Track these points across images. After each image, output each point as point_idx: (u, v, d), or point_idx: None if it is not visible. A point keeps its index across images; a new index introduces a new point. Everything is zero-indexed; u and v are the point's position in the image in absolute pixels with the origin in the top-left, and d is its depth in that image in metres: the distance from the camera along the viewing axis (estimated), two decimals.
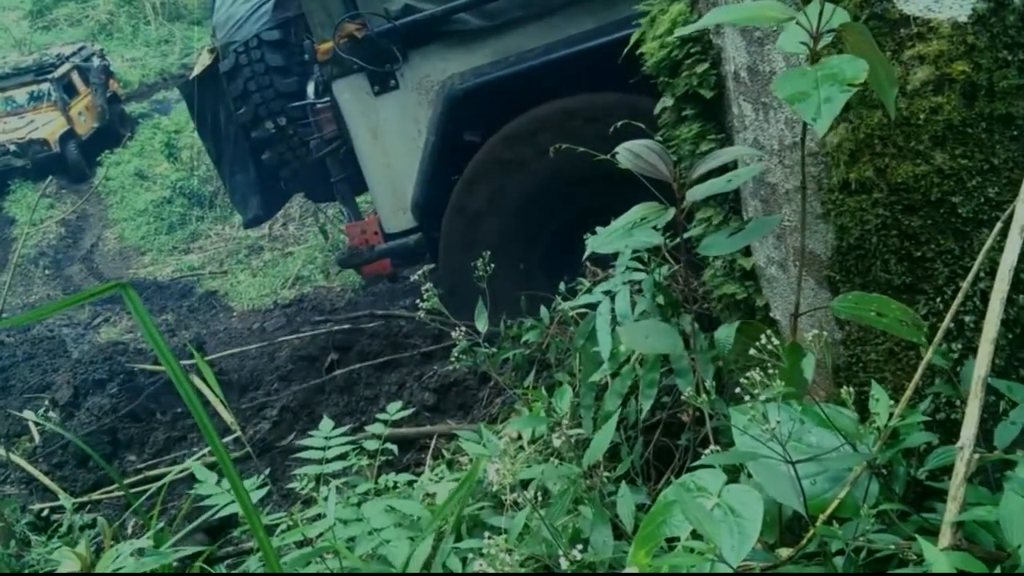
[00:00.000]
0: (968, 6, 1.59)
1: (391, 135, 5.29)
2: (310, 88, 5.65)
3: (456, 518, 2.19)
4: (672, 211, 1.83)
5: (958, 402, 1.80)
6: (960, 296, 1.48)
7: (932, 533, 1.42)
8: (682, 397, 1.56)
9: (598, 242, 2.00)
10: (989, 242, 1.44)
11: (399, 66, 5.09)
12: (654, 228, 1.90)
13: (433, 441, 4.05)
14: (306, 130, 5.76)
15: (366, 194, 6.11)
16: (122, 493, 4.44)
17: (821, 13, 1.37)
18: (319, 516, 2.33)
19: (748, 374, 1.34)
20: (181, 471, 3.63)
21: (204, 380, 2.75)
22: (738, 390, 1.39)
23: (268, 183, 6.69)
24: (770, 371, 1.39)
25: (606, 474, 2.32)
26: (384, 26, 4.94)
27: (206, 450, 4.79)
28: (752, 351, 1.51)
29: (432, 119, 5.06)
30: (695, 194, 1.82)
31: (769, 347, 1.48)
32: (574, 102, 4.77)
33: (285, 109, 5.96)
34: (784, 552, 1.52)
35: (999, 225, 1.41)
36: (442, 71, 5.09)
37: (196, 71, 6.53)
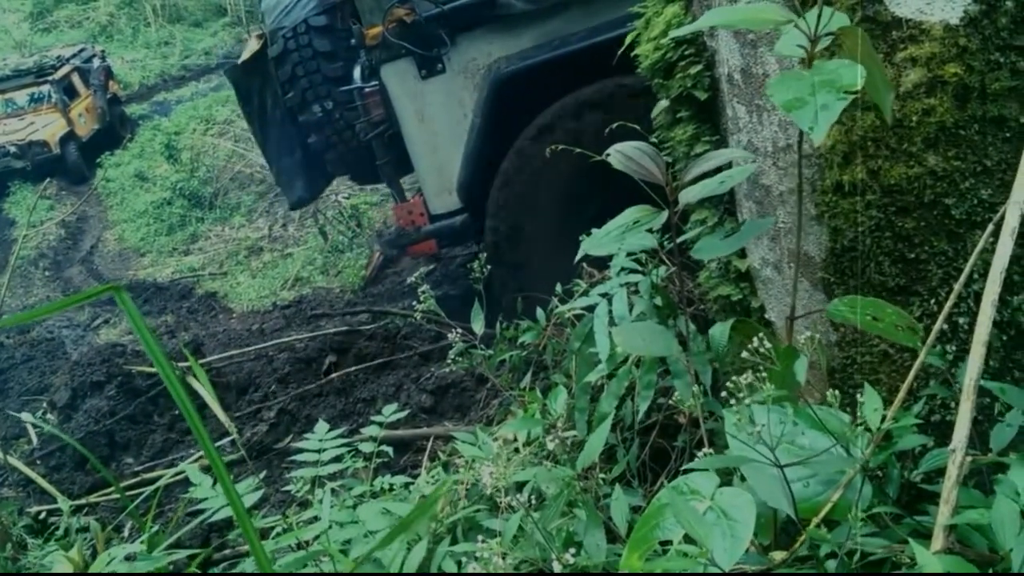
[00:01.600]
0: (960, 8, 1.59)
1: (437, 118, 5.39)
2: (356, 73, 5.72)
3: (447, 522, 2.19)
4: (666, 213, 1.82)
5: (953, 404, 1.80)
6: (952, 298, 1.48)
7: (925, 536, 1.42)
8: (671, 400, 1.55)
9: (592, 244, 1.99)
10: (981, 244, 1.43)
11: (446, 50, 5.18)
12: (648, 230, 1.90)
13: (430, 443, 4.05)
14: (352, 114, 5.84)
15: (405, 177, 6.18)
16: (120, 496, 4.44)
17: (819, 16, 1.36)
18: (315, 519, 2.32)
19: (734, 378, 1.33)
20: (176, 474, 3.63)
21: (206, 380, 2.75)
22: (724, 394, 1.39)
23: (313, 166, 6.79)
24: (761, 373, 1.39)
25: (602, 476, 2.32)
26: (432, 11, 5.04)
27: (202, 452, 4.79)
28: (744, 353, 1.51)
29: (478, 102, 5.17)
30: (688, 196, 1.82)
31: (762, 349, 1.47)
32: (622, 80, 4.81)
33: (332, 93, 6.03)
34: (778, 555, 1.52)
35: (991, 227, 1.41)
36: (488, 55, 5.18)
37: (244, 56, 6.64)
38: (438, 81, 5.30)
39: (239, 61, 6.76)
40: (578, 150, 2.72)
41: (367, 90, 5.46)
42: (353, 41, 5.78)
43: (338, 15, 6.10)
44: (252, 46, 6.58)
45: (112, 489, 4.56)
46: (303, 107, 6.15)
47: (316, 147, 6.34)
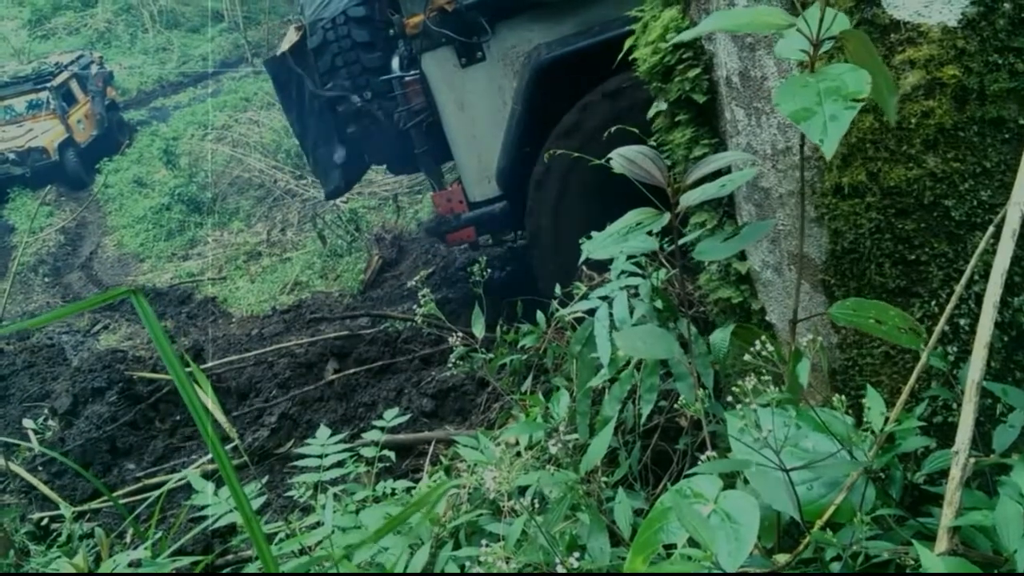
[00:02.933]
0: (958, 10, 1.59)
1: (477, 106, 5.44)
2: (395, 62, 5.79)
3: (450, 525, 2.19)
4: (667, 216, 1.82)
5: (955, 405, 1.80)
6: (954, 299, 1.48)
7: (929, 538, 1.42)
8: (676, 404, 1.55)
9: (593, 247, 1.99)
10: (982, 246, 1.44)
11: (487, 38, 5.22)
12: (649, 233, 1.90)
13: (431, 447, 4.05)
14: (390, 104, 5.90)
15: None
16: (124, 501, 4.44)
17: (822, 20, 1.36)
18: (318, 524, 2.32)
19: (739, 383, 1.33)
20: (179, 480, 3.62)
21: (202, 388, 2.75)
22: (730, 398, 1.39)
23: (349, 156, 6.84)
24: (764, 376, 1.39)
25: (604, 479, 2.32)
26: None
27: (206, 458, 4.79)
28: (747, 356, 1.51)
29: (518, 89, 5.19)
30: (689, 199, 1.82)
31: (764, 352, 1.48)
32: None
33: (370, 83, 6.12)
34: (781, 558, 1.52)
35: (991, 229, 1.41)
36: (528, 42, 5.20)
37: (283, 47, 6.70)
38: (478, 69, 5.34)
39: (278, 52, 6.85)
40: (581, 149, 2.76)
41: (407, 79, 5.51)
42: (392, 31, 5.87)
43: (376, 5, 6.19)
44: (291, 37, 6.66)
45: (115, 495, 4.55)
46: (342, 97, 6.23)
47: (354, 137, 6.42)
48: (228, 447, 4.80)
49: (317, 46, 6.17)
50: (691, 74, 2.28)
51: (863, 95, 1.23)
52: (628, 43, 2.63)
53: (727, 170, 2.16)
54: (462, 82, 5.39)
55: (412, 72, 5.51)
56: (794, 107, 1.27)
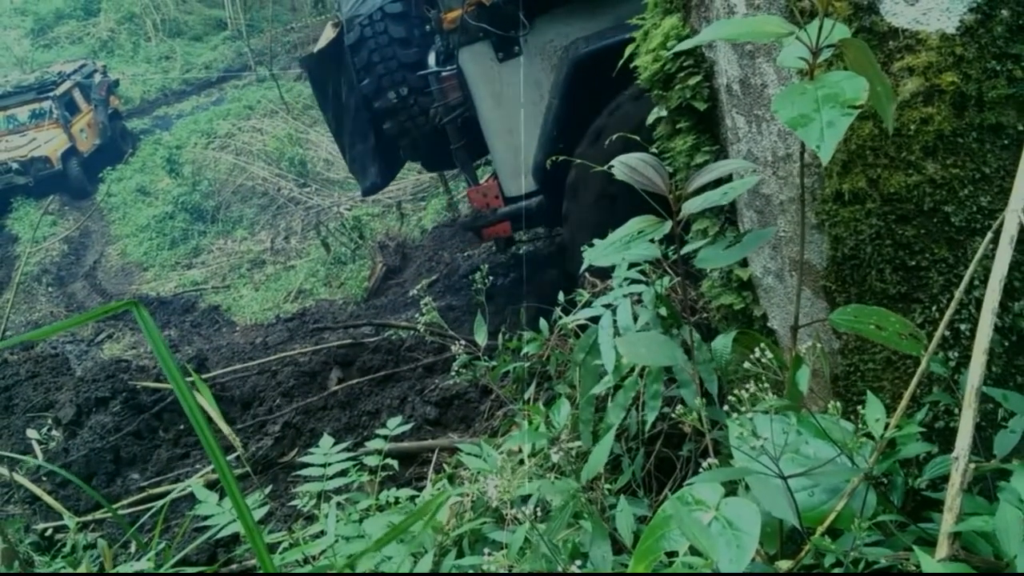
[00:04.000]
0: (956, 18, 1.60)
1: (514, 100, 5.42)
2: (431, 58, 5.80)
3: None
4: (668, 224, 1.83)
5: (956, 410, 1.80)
6: (953, 305, 1.48)
7: (931, 543, 1.42)
8: (674, 413, 1.55)
9: (595, 255, 2.00)
10: (981, 251, 1.44)
11: (524, 32, 5.22)
12: (651, 241, 1.91)
13: (435, 455, 4.05)
14: (426, 99, 5.92)
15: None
16: (127, 511, 4.45)
17: (821, 28, 1.37)
18: (321, 533, 2.33)
19: (735, 391, 1.34)
20: (181, 491, 3.63)
21: (210, 397, 2.76)
22: (726, 408, 1.40)
23: (386, 152, 6.89)
24: (763, 383, 1.39)
25: (607, 486, 2.32)
26: None
27: (209, 468, 4.79)
28: (747, 364, 1.52)
29: (555, 83, 5.18)
30: (691, 207, 1.83)
31: (763, 359, 1.48)
32: None
33: (407, 79, 6.15)
34: (783, 564, 1.52)
35: (990, 235, 1.42)
36: (565, 36, 5.19)
37: (320, 45, 6.75)
38: (515, 63, 5.34)
39: (315, 50, 6.90)
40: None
41: (444, 74, 5.52)
42: (429, 27, 5.92)
43: (413, 2, 6.24)
44: (328, 34, 6.70)
45: (117, 505, 4.56)
46: (378, 93, 6.26)
47: (390, 133, 6.45)
48: (230, 457, 4.81)
49: (354, 42, 6.22)
50: (692, 82, 2.29)
51: (860, 102, 1.23)
52: (629, 50, 2.64)
53: (728, 177, 2.17)
54: (499, 77, 5.38)
55: (449, 67, 5.52)
56: (792, 114, 1.27)
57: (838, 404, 1.43)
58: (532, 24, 5.19)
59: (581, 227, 5.20)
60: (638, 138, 2.64)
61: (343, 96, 6.76)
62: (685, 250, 2.23)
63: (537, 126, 5.30)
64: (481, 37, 5.25)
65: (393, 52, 6.14)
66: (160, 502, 3.48)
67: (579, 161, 4.03)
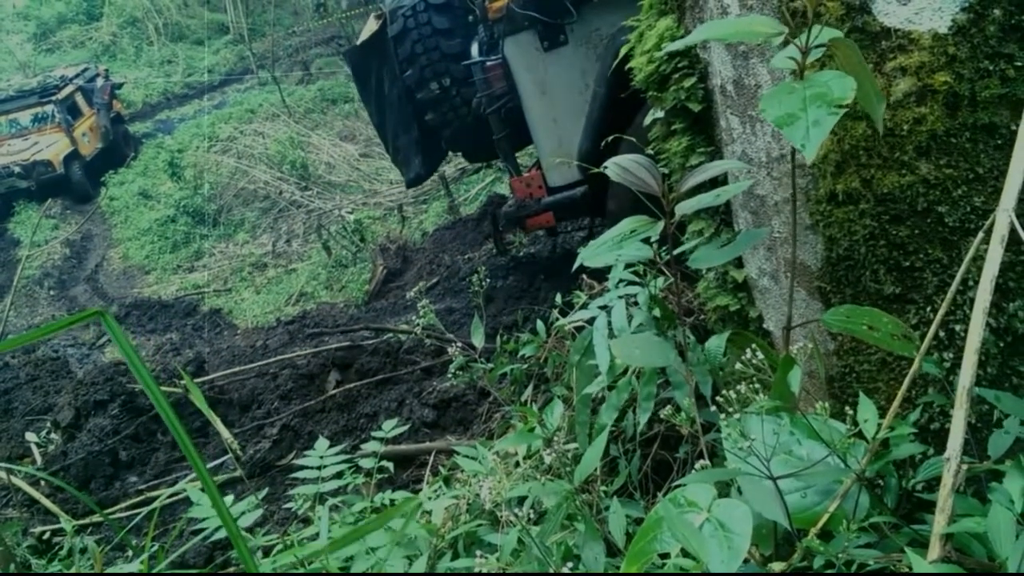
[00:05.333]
0: (948, 17, 1.59)
1: (559, 90, 5.40)
2: (474, 48, 5.81)
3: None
4: (661, 224, 1.82)
5: (951, 411, 1.79)
6: (945, 306, 1.47)
7: (924, 545, 1.42)
8: (662, 415, 1.55)
9: (588, 255, 1.99)
10: (971, 252, 1.43)
11: (571, 20, 5.18)
12: (646, 241, 1.90)
13: (431, 458, 4.04)
14: (469, 90, 5.91)
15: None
16: (124, 515, 4.45)
17: (810, 28, 1.37)
18: (316, 536, 2.32)
19: (723, 392, 1.33)
20: (171, 495, 3.62)
21: (202, 401, 2.75)
22: (714, 408, 1.39)
23: (429, 143, 6.90)
24: (754, 384, 1.38)
25: (603, 488, 2.31)
26: None
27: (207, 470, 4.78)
28: (738, 364, 1.51)
29: (600, 72, 5.13)
30: (685, 208, 1.82)
31: (754, 361, 1.47)
32: None
33: (450, 70, 6.16)
34: (777, 566, 1.51)
35: (980, 235, 1.41)
36: (611, 24, 5.13)
37: (363, 37, 6.80)
38: (560, 53, 5.31)
39: (358, 42, 6.94)
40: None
41: (488, 64, 5.51)
42: (472, 17, 5.92)
43: None
44: (371, 26, 6.75)
45: (115, 508, 4.55)
46: (421, 84, 6.28)
47: (433, 124, 6.46)
48: (228, 459, 4.81)
49: (397, 34, 6.23)
50: (686, 83, 2.29)
51: (847, 101, 1.23)
52: (624, 51, 2.63)
53: (723, 178, 2.17)
54: (544, 66, 5.35)
55: (493, 57, 5.50)
56: (779, 112, 1.27)
57: (826, 404, 1.42)
58: (578, 12, 5.15)
59: (623, 217, 5.19)
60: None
61: (385, 88, 6.78)
62: (679, 251, 2.23)
63: (582, 116, 5.25)
64: (526, 26, 5.23)
65: (436, 43, 6.16)
66: (152, 505, 3.47)
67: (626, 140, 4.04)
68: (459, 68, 6.02)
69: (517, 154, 6.20)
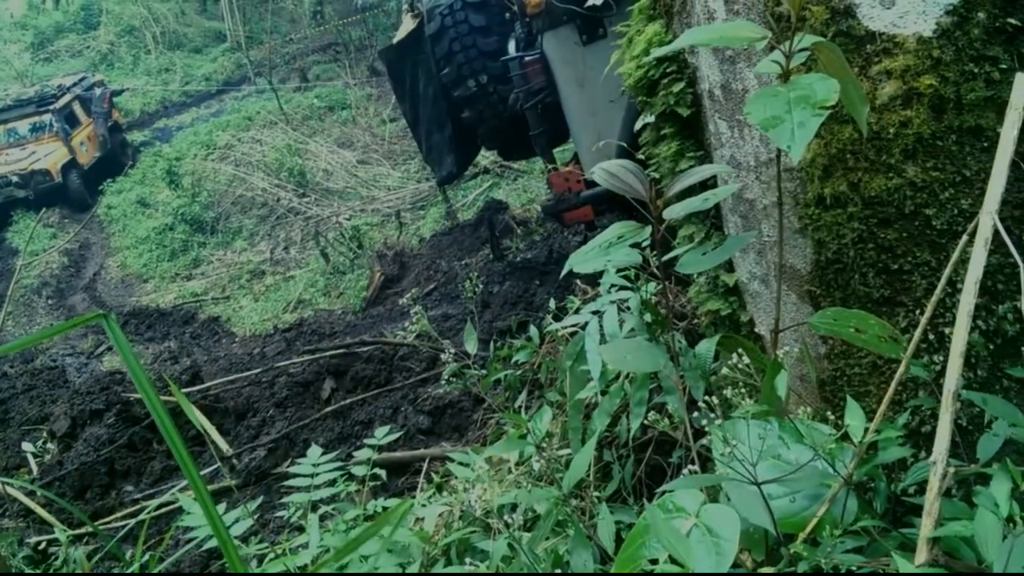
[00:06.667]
0: (932, 20, 1.60)
1: (597, 83, 5.39)
2: (511, 45, 5.83)
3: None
4: (648, 229, 1.82)
5: None
6: (931, 308, 1.47)
7: (913, 549, 1.41)
8: (647, 420, 1.54)
9: (577, 260, 1.99)
10: (956, 255, 1.43)
11: (611, 13, 5.18)
12: (636, 246, 1.90)
13: (425, 464, 4.04)
14: (505, 87, 5.94)
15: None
16: (120, 524, 4.43)
17: (793, 32, 1.37)
18: (308, 545, 2.31)
19: (706, 398, 1.33)
20: (159, 505, 3.61)
21: (200, 410, 2.75)
22: (696, 414, 1.39)
23: (462, 141, 6.95)
24: (740, 389, 1.38)
25: (596, 494, 2.31)
26: None
27: (203, 475, 4.78)
28: (725, 369, 1.51)
29: None
30: (672, 213, 1.82)
31: (740, 365, 1.47)
32: None
33: (486, 67, 6.21)
34: (766, 571, 1.51)
35: (965, 237, 1.41)
36: None
37: (399, 36, 6.87)
38: (599, 47, 5.31)
39: (394, 41, 7.00)
40: None
41: (527, 59, 5.53)
42: (508, 15, 5.94)
43: None
44: (407, 26, 6.80)
45: (111, 517, 4.55)
46: (458, 82, 6.33)
47: (468, 122, 6.51)
48: (211, 469, 4.80)
49: (435, 32, 6.28)
50: (675, 88, 2.29)
51: (831, 102, 1.23)
52: (614, 57, 2.63)
53: (713, 182, 2.16)
54: (583, 60, 5.36)
55: (532, 52, 5.51)
56: (764, 115, 1.27)
57: (808, 409, 1.42)
58: (617, 5, 5.15)
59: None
60: None
61: (421, 87, 6.84)
62: (669, 256, 2.23)
63: (621, 109, 5.25)
64: (565, 20, 5.25)
65: (473, 40, 6.21)
66: (143, 515, 3.46)
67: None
68: (496, 65, 6.07)
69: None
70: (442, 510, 2.41)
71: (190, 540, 2.97)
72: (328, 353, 5.91)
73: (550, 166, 6.02)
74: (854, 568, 1.32)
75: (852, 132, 1.73)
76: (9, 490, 5.02)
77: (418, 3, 6.69)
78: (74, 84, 17.82)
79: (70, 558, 3.14)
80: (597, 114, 5.46)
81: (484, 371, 3.20)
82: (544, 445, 1.97)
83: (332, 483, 2.56)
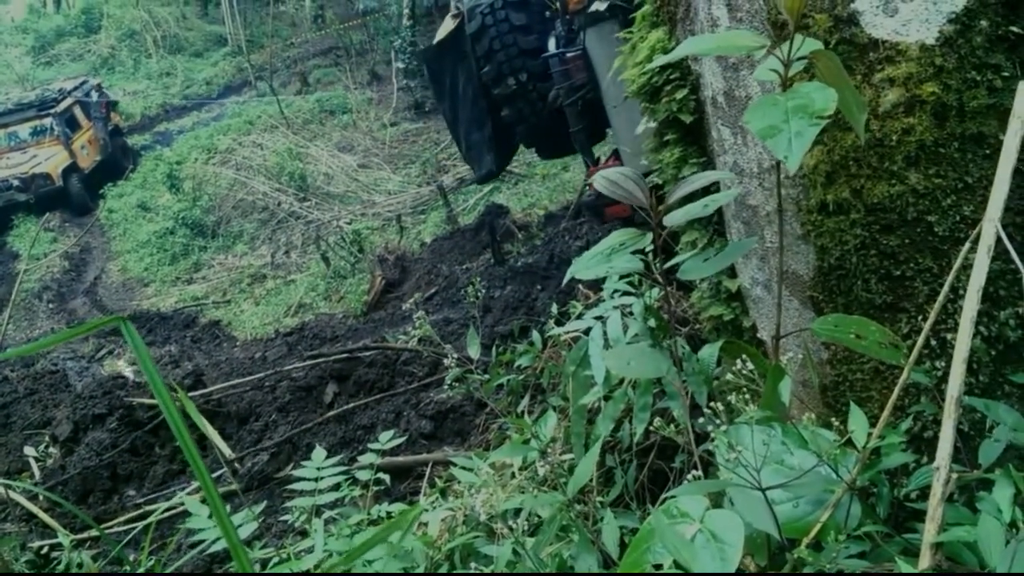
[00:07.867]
0: (935, 28, 1.61)
1: None
2: (551, 43, 5.85)
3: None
4: (649, 236, 1.83)
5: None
6: (934, 315, 1.48)
7: (916, 554, 1.42)
8: (652, 426, 1.55)
9: (579, 267, 2.00)
10: (959, 262, 1.44)
11: None
12: (638, 252, 1.91)
13: (429, 469, 4.04)
14: (545, 85, 5.97)
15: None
16: (122, 528, 4.44)
17: (792, 41, 1.38)
18: (312, 549, 2.32)
19: (710, 404, 1.34)
20: (167, 509, 3.61)
21: (203, 415, 2.76)
22: (701, 420, 1.39)
23: (501, 140, 7.00)
24: (744, 395, 1.39)
25: (599, 499, 2.31)
26: None
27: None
28: (729, 375, 1.52)
29: None
30: (673, 219, 1.83)
31: (743, 371, 1.48)
32: None
33: (526, 65, 6.23)
34: None
35: (967, 245, 1.42)
36: None
37: (439, 36, 6.90)
38: None
39: (434, 41, 7.04)
40: None
41: (568, 55, 5.53)
42: (548, 12, 5.99)
43: None
44: (447, 26, 6.85)
45: (113, 522, 4.55)
46: (498, 80, 6.35)
47: (509, 120, 6.53)
48: (215, 474, 4.79)
49: (475, 31, 6.32)
50: (678, 95, 2.30)
51: (829, 112, 1.24)
52: (618, 63, 2.65)
53: (716, 188, 2.17)
54: None
55: (574, 48, 5.54)
56: (762, 124, 1.28)
57: (812, 415, 1.42)
58: None
59: None
60: None
61: (460, 86, 6.89)
62: (672, 263, 2.23)
63: None
64: (608, 16, 5.28)
65: (514, 39, 6.24)
66: (149, 519, 3.46)
67: None
68: (536, 63, 6.09)
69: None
70: (446, 515, 2.42)
71: (193, 545, 2.98)
72: (332, 358, 5.91)
73: (589, 162, 6.06)
74: (858, 573, 1.32)
75: (854, 139, 1.74)
76: (11, 494, 5.02)
77: (458, 3, 6.74)
78: (75, 88, 17.84)
79: (74, 562, 3.15)
80: (637, 109, 5.52)
81: (486, 376, 3.21)
82: (548, 450, 1.97)
83: (336, 487, 2.56)
